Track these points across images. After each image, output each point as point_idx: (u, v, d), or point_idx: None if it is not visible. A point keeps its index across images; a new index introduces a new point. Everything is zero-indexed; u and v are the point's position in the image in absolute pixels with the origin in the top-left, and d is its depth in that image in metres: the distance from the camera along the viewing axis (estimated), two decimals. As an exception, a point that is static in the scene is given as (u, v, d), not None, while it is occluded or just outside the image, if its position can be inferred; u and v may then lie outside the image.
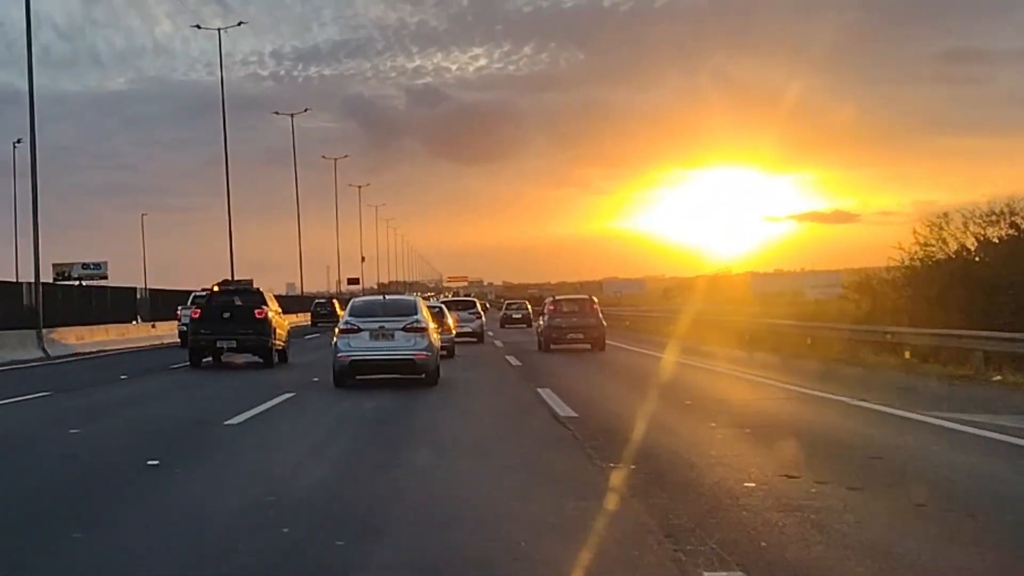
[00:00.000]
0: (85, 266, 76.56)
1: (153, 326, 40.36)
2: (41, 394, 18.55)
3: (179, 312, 35.33)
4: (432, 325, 19.09)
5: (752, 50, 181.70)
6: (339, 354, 18.22)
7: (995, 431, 11.37)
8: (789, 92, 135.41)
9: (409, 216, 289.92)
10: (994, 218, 33.91)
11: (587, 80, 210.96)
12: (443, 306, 32.02)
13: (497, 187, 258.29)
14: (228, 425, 13.28)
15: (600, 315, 32.20)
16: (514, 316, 59.68)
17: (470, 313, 38.36)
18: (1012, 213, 33.14)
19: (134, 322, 39.51)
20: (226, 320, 24.98)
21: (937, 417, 12.61)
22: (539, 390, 17.17)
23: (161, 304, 43.87)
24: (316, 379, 21.05)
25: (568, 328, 31.20)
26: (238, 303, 25.50)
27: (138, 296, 42.15)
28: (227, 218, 53.21)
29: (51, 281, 57.00)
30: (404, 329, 18.15)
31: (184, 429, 13.25)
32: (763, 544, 6.46)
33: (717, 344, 31.08)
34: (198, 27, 55.67)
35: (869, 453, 10.11)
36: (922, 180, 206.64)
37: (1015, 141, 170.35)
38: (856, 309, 35.72)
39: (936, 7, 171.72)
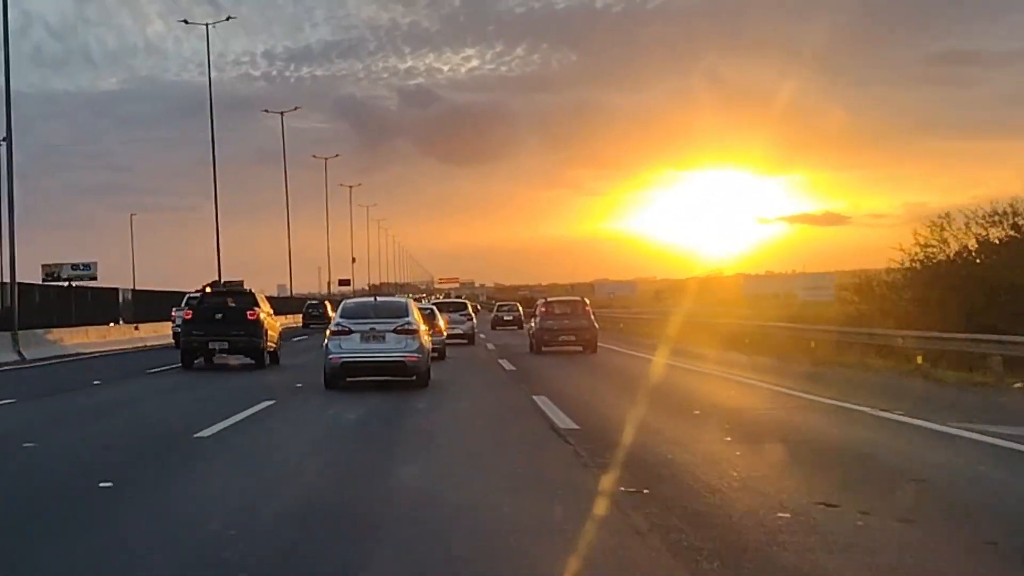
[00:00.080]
0: (75, 267, 75.28)
1: (136, 328, 39.02)
2: (5, 401, 17.27)
3: (173, 313, 34.33)
4: (423, 327, 18.89)
5: (744, 52, 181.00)
6: (330, 356, 18.02)
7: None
8: (781, 94, 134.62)
9: (401, 217, 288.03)
10: (996, 219, 33.00)
11: (579, 81, 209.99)
12: (434, 308, 31.47)
13: (489, 188, 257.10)
14: (198, 438, 12.05)
15: (592, 317, 31.62)
16: (505, 318, 58.90)
17: (461, 315, 37.96)
18: (1015, 214, 32.20)
19: (116, 324, 38.08)
20: (218, 321, 24.79)
21: (973, 431, 11.43)
22: (535, 397, 15.99)
23: (144, 305, 42.60)
24: (299, 384, 19.88)
25: (560, 330, 30.73)
26: (230, 304, 25.24)
27: (120, 297, 40.76)
28: (217, 219, 51.97)
29: (40, 282, 55.84)
30: (395, 331, 17.98)
31: (149, 443, 12.01)
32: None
33: (714, 347, 29.93)
34: (185, 22, 54.46)
35: (911, 474, 8.93)
36: (913, 182, 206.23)
37: (1007, 143, 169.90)
38: (855, 312, 34.71)
39: (928, 9, 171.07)
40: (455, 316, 36.75)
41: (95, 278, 71.45)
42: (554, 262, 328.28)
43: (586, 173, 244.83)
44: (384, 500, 8.22)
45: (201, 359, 25.37)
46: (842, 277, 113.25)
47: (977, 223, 33.50)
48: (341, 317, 18.73)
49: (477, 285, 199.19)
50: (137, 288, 46.89)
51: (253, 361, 24.95)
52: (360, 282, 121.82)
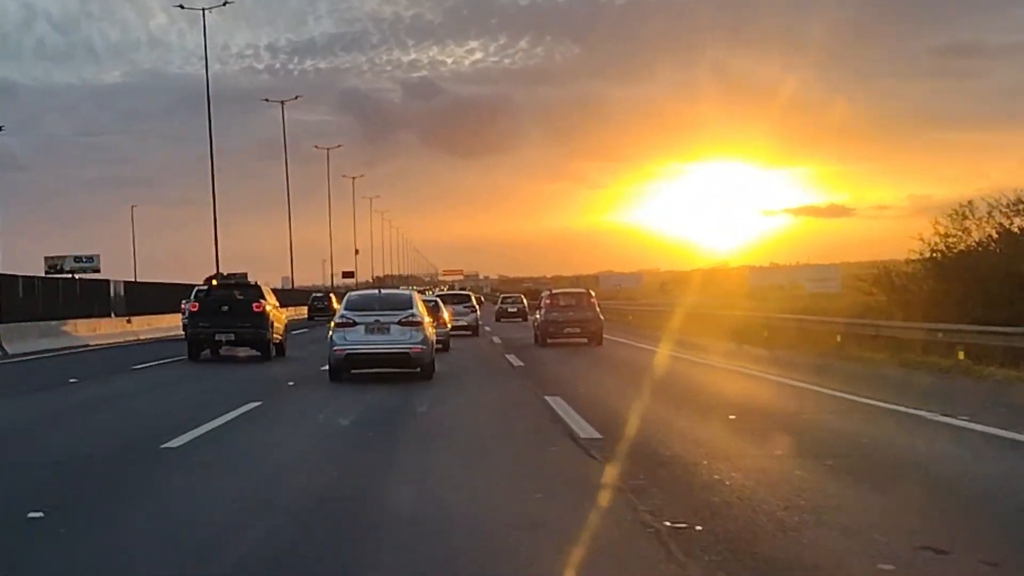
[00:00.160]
0: (77, 259, 74.56)
1: (128, 321, 37.24)
2: (-33, 403, 15.62)
3: (183, 306, 33.51)
4: (427, 319, 18.74)
5: (748, 44, 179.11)
6: (335, 348, 17.85)
7: None
8: (785, 86, 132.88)
9: (405, 210, 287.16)
10: (1022, 207, 31.54)
11: (583, 74, 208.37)
12: (438, 300, 30.80)
13: (493, 180, 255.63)
14: (165, 449, 10.36)
15: (597, 309, 30.81)
16: (509, 310, 58.09)
17: (465, 307, 37.64)
18: (1042, 202, 30.74)
19: (107, 317, 36.30)
20: (225, 313, 24.86)
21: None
22: (548, 399, 14.30)
23: (139, 298, 40.86)
24: (291, 383, 18.25)
25: (565, 322, 29.94)
26: (237, 297, 25.36)
27: (112, 290, 38.96)
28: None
29: (43, 275, 54.30)
30: (400, 323, 17.84)
31: (107, 455, 10.32)
32: None
33: (728, 340, 28.26)
34: (181, 7, 52.62)
35: (1020, 503, 7.23)
36: (917, 174, 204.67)
37: (1010, 135, 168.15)
38: (874, 303, 33.09)
39: (932, 1, 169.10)
40: (459, 308, 36.22)
41: (98, 270, 70.41)
42: (558, 254, 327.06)
43: (590, 165, 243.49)
44: (371, 558, 6.51)
45: (208, 350, 25.33)
46: (848, 268, 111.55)
47: (1000, 211, 32.07)
48: (346, 309, 18.50)
49: (481, 277, 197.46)
50: (132, 280, 45.12)
51: (259, 353, 24.94)
52: (364, 275, 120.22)
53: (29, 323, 30.42)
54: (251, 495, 8.07)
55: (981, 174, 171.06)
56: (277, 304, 27.09)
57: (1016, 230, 31.36)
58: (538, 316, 31.73)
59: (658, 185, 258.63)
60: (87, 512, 7.55)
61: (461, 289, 70.83)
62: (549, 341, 29.64)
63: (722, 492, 7.70)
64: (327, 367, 20.34)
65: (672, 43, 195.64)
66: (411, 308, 18.33)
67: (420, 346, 17.77)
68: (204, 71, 55.09)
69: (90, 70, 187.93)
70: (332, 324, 18.53)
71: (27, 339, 29.36)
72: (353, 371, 18.14)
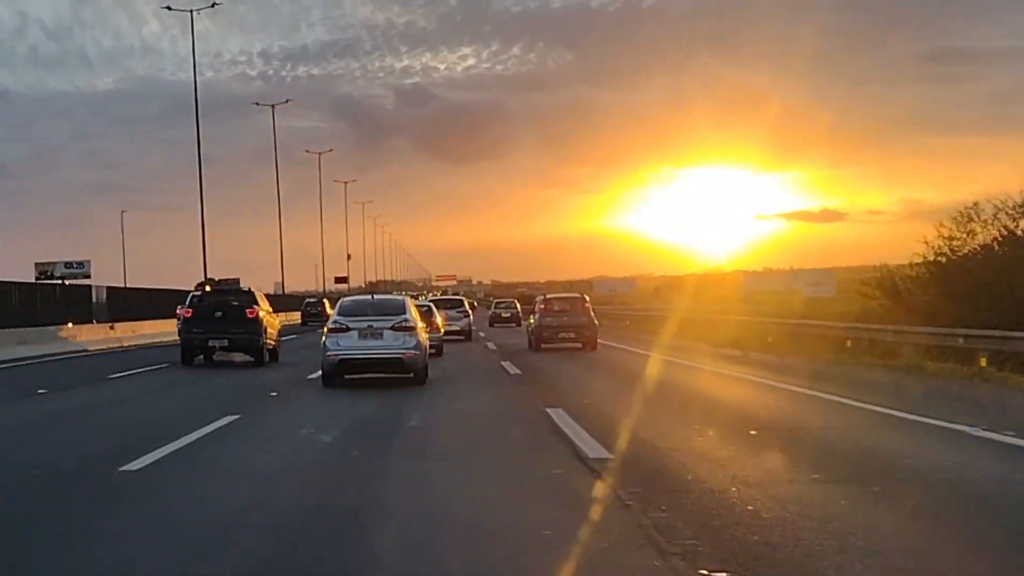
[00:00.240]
0: (68, 265, 73.49)
1: (112, 327, 35.87)
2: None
3: (178, 312, 32.92)
4: (421, 324, 18.53)
5: (739, 50, 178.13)
6: (328, 353, 17.64)
7: None
8: (776, 92, 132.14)
9: (398, 215, 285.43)
10: (1026, 210, 30.71)
11: (575, 80, 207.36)
12: (431, 305, 30.58)
13: (486, 186, 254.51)
14: (122, 473, 9.15)
15: (592, 314, 30.51)
16: (503, 315, 57.62)
17: (458, 312, 37.59)
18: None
19: (90, 323, 34.90)
20: (218, 319, 24.79)
21: None
22: (549, 411, 13.11)
23: (123, 304, 39.51)
24: (274, 393, 17.01)
25: (560, 327, 29.71)
26: (230, 303, 25.23)
27: (94, 295, 37.58)
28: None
29: (32, 280, 53.02)
30: (393, 328, 17.68)
31: (56, 480, 9.10)
32: None
33: (735, 347, 27.08)
34: (168, 8, 51.36)
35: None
36: (909, 179, 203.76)
37: (1001, 140, 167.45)
38: (878, 308, 32.06)
39: (922, 7, 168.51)
40: (452, 313, 36.12)
41: (89, 276, 69.31)
42: (551, 259, 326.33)
43: (582, 171, 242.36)
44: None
45: (201, 356, 25.18)
46: (841, 273, 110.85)
47: (1007, 214, 31.15)
48: (339, 315, 18.35)
49: (475, 283, 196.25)
50: (115, 286, 43.77)
51: (253, 358, 24.76)
52: (357, 280, 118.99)
53: (5, 330, 29.08)
54: (207, 535, 6.86)
55: (972, 179, 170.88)
56: (270, 310, 26.92)
57: (1020, 232, 30.49)
58: (532, 321, 31.26)
59: (651, 190, 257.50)
60: (8, 555, 6.33)
61: (454, 294, 70.00)
62: (543, 346, 29.18)
63: (761, 528, 6.51)
64: (315, 374, 19.92)
65: (664, 49, 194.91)
66: (404, 313, 18.16)
67: (413, 351, 17.58)
68: (198, 77, 53.82)
69: (83, 77, 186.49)
70: (325, 329, 18.25)
71: (4, 346, 28.03)
72: (346, 376, 17.85)
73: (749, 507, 7.14)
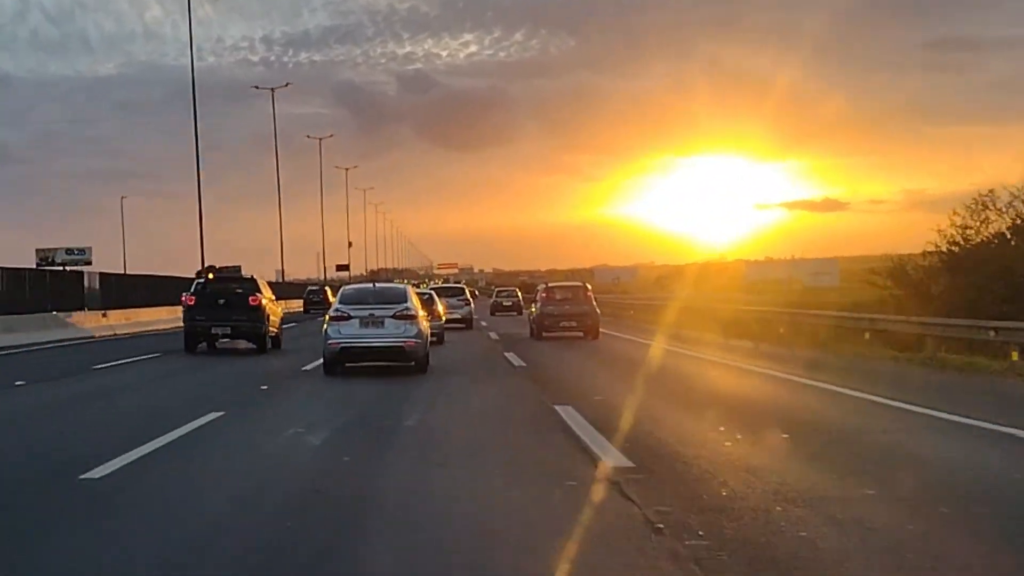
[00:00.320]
0: (69, 251, 72.84)
1: (104, 315, 34.69)
2: None
3: (183, 298, 32.17)
4: (422, 313, 18.39)
5: (742, 38, 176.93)
6: (329, 341, 17.48)
7: None
8: (779, 80, 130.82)
9: (400, 203, 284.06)
10: (1046, 197, 29.87)
11: (577, 67, 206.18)
12: (433, 293, 30.29)
13: (487, 173, 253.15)
14: (83, 481, 8.04)
15: (594, 302, 30.25)
16: (504, 303, 56.85)
17: (459, 300, 37.44)
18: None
19: (80, 311, 33.69)
20: (221, 307, 24.70)
21: None
22: (558, 409, 12.02)
23: (117, 291, 38.31)
24: (265, 387, 15.91)
25: (561, 315, 29.42)
26: (233, 290, 25.17)
27: (86, 282, 36.35)
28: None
29: (34, 266, 51.95)
30: (394, 316, 17.52)
31: (8, 490, 7.96)
32: None
33: (746, 337, 26.00)
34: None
35: None
36: (912, 168, 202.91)
37: (1004, 129, 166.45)
38: (889, 297, 31.05)
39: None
40: (453, 301, 35.90)
41: (90, 262, 68.48)
42: (553, 248, 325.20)
43: (584, 159, 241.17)
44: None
45: (204, 343, 25.13)
46: (842, 263, 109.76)
47: (1022, 202, 30.21)
48: (340, 303, 18.24)
49: (476, 271, 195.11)
50: (109, 272, 42.59)
51: (255, 346, 24.72)
52: (359, 267, 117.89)
53: (-5, 317, 27.94)
54: (168, 564, 5.74)
55: (975, 168, 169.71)
56: (273, 297, 26.87)
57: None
58: (534, 309, 30.85)
59: (653, 179, 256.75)
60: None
61: (456, 282, 69.19)
62: (545, 334, 28.77)
63: (823, 562, 5.40)
64: (310, 365, 18.97)
65: (667, 36, 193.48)
66: (405, 302, 18.02)
67: (414, 340, 17.43)
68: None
69: (84, 62, 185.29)
70: (327, 317, 18.10)
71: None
72: (347, 364, 17.65)
73: (802, 532, 6.04)
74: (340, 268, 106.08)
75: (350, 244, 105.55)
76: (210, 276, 27.00)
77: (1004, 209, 29.76)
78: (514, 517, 6.79)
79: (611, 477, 7.86)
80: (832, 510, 6.61)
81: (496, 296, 60.02)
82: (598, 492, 7.39)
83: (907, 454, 9.01)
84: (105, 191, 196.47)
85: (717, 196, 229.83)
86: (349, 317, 17.57)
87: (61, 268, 49.00)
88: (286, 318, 30.15)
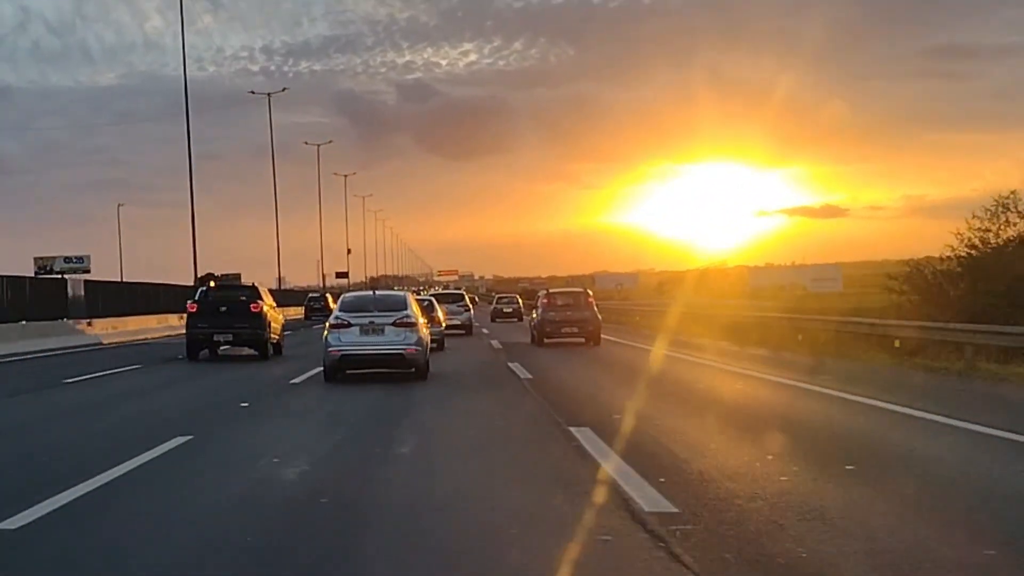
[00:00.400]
0: (67, 260, 71.86)
1: (89, 324, 32.92)
2: None
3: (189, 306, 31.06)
4: (422, 320, 18.25)
5: (742, 46, 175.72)
6: (330, 348, 17.30)
7: None
8: (779, 87, 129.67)
9: (400, 211, 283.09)
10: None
11: (577, 76, 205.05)
12: (433, 299, 29.98)
13: (487, 182, 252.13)
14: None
15: (595, 308, 29.64)
16: (505, 310, 56.16)
17: (458, 306, 37.07)
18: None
19: (62, 320, 31.94)
20: (222, 314, 24.64)
21: None
22: (575, 432, 10.37)
23: (104, 299, 36.59)
24: (245, 404, 14.25)
25: (563, 322, 28.81)
26: (234, 298, 25.12)
27: (70, 289, 34.62)
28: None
29: (33, 275, 50.41)
30: (394, 324, 17.33)
31: None
32: None
33: (764, 346, 24.38)
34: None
35: None
36: (912, 175, 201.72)
37: (1004, 136, 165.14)
38: (907, 303, 29.58)
39: (925, 3, 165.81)
40: (453, 307, 35.52)
41: (88, 271, 67.35)
42: (553, 255, 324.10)
43: (584, 167, 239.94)
44: None
45: (206, 350, 25.11)
46: (846, 269, 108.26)
47: (1047, 201, 29.02)
48: (340, 310, 18.01)
49: (476, 278, 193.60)
50: (96, 279, 40.94)
51: (257, 353, 24.69)
52: (359, 275, 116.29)
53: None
54: None
55: (975, 175, 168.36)
56: (274, 304, 26.83)
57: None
58: (535, 316, 30.37)
59: (653, 186, 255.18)
60: None
61: (456, 289, 67.98)
62: (546, 341, 28.28)
63: None
64: (298, 378, 17.95)
65: (666, 45, 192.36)
66: (406, 309, 17.82)
67: (415, 347, 17.25)
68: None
69: (85, 72, 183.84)
70: (327, 325, 17.85)
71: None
72: (348, 372, 17.50)
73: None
74: (340, 275, 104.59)
75: (349, 251, 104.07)
76: (211, 284, 27.06)
77: (1025, 211, 28.51)
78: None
79: (652, 528, 6.21)
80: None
81: (497, 302, 59.24)
82: (639, 551, 5.73)
83: (1017, 494, 7.33)
84: (105, 200, 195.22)
85: (717, 203, 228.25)
86: (349, 325, 17.32)
87: (60, 276, 47.56)
88: (287, 326, 29.41)
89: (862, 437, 10.23)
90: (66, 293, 34.06)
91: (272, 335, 25.24)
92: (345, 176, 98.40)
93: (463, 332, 35.30)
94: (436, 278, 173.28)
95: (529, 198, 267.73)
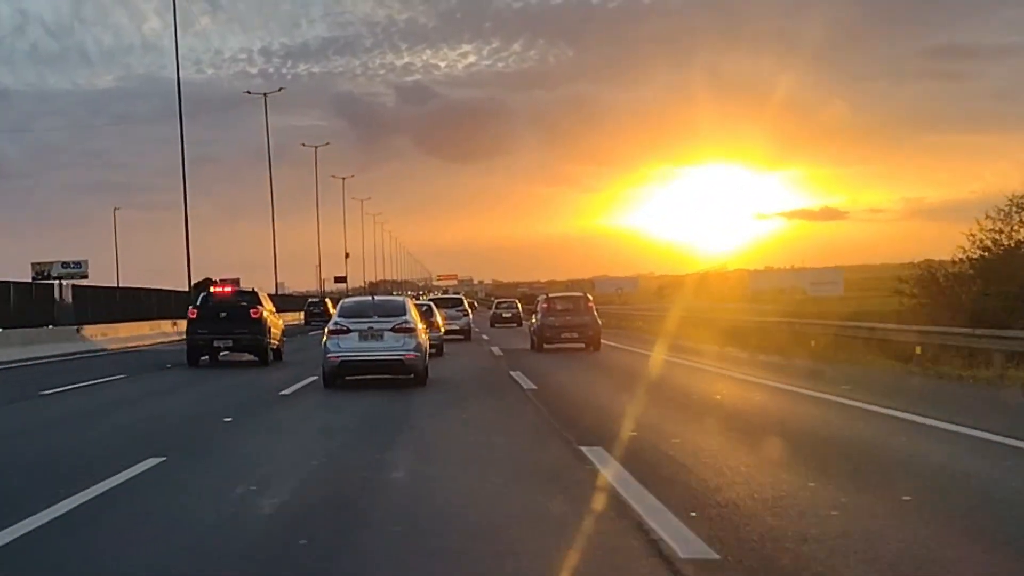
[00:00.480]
0: (65, 264, 70.65)
1: (78, 331, 31.77)
2: None
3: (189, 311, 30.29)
4: (421, 326, 18.02)
5: (741, 47, 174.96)
6: (329, 354, 17.17)
7: None
8: (778, 89, 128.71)
9: (399, 214, 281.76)
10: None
11: (576, 77, 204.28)
12: (431, 304, 29.75)
13: (487, 185, 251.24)
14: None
15: (595, 313, 29.22)
16: (504, 315, 55.21)
17: (457, 311, 36.83)
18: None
19: (48, 327, 30.85)
20: (222, 320, 24.50)
21: None
22: (587, 452, 9.30)
23: (95, 305, 35.52)
24: (228, 419, 13.14)
25: (562, 327, 28.44)
26: (234, 303, 24.95)
27: (58, 295, 33.51)
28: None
29: (30, 280, 49.38)
30: (393, 330, 17.21)
31: None
32: None
33: (774, 352, 23.32)
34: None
35: None
36: (911, 177, 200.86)
37: (1003, 137, 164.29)
38: (918, 307, 28.64)
39: (924, 4, 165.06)
40: (451, 312, 35.30)
41: (86, 276, 66.16)
42: (553, 258, 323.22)
43: (584, 169, 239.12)
44: None
45: (207, 356, 24.88)
46: (845, 272, 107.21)
47: (1058, 202, 28.20)
48: (339, 316, 17.90)
49: (476, 282, 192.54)
50: (85, 285, 39.91)
51: (257, 358, 24.54)
52: (357, 279, 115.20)
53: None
54: None
55: (975, 176, 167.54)
56: (273, 310, 26.69)
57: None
58: (535, 321, 29.90)
59: (651, 189, 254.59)
60: None
61: (455, 294, 67.10)
62: (546, 346, 28.00)
63: None
64: (288, 389, 17.20)
65: (665, 46, 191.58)
66: (405, 315, 17.68)
67: (414, 353, 17.12)
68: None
69: (83, 75, 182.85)
70: (326, 330, 17.72)
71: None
72: (347, 377, 17.31)
73: None
74: (338, 280, 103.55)
75: (347, 255, 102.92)
76: (212, 289, 27.08)
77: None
78: None
79: (690, 580, 5.12)
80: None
81: (496, 308, 58.32)
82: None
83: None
84: (104, 203, 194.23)
85: (716, 206, 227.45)
86: (348, 330, 17.20)
87: (58, 281, 46.57)
88: (285, 331, 28.50)
89: (914, 463, 9.07)
90: (53, 299, 32.94)
91: (272, 340, 25.09)
92: (343, 179, 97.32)
93: (462, 337, 34.90)
94: (435, 282, 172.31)
95: (528, 200, 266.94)
